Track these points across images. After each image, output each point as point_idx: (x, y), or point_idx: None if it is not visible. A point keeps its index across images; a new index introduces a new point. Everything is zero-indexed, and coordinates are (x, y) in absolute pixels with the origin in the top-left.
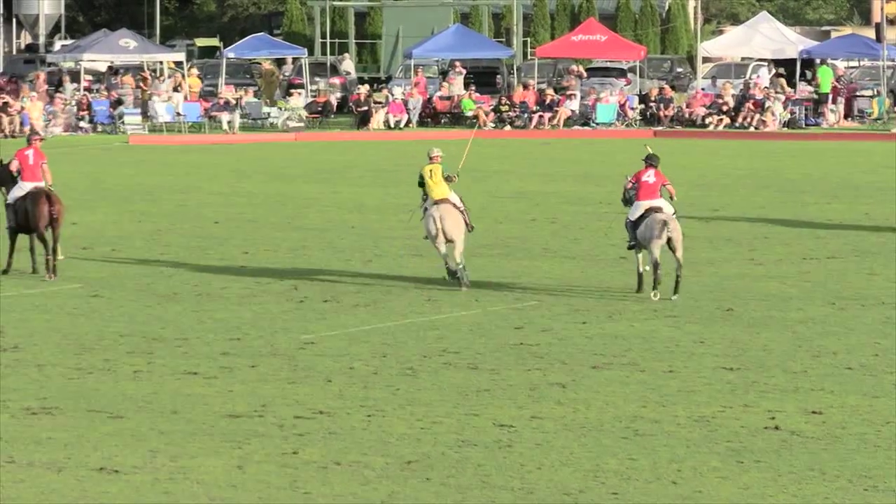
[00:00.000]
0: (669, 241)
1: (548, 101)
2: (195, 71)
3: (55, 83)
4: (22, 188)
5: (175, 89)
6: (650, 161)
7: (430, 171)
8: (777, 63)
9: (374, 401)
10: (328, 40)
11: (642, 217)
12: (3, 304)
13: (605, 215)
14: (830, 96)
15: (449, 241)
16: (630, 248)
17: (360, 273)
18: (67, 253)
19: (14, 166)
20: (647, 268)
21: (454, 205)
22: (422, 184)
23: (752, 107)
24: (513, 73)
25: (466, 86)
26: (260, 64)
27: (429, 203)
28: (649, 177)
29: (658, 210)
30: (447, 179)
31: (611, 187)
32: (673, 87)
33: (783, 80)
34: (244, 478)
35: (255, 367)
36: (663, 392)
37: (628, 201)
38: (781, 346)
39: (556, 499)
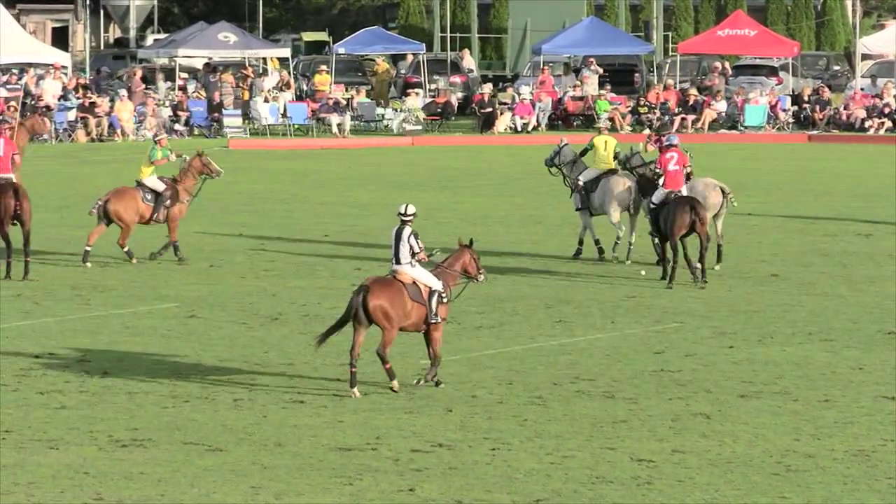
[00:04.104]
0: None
1: (691, 102)
2: (325, 67)
3: (146, 81)
4: None
5: (280, 88)
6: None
7: (605, 142)
8: None
9: (499, 433)
10: (448, 34)
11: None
12: (91, 326)
13: (755, 228)
14: None
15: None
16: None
17: (483, 292)
18: (161, 269)
19: None
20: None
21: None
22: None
23: None
24: (652, 71)
25: (601, 85)
26: (373, 61)
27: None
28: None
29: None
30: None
31: (761, 197)
32: (829, 87)
33: None
34: None
35: (368, 396)
36: (818, 424)
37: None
38: None
39: None
